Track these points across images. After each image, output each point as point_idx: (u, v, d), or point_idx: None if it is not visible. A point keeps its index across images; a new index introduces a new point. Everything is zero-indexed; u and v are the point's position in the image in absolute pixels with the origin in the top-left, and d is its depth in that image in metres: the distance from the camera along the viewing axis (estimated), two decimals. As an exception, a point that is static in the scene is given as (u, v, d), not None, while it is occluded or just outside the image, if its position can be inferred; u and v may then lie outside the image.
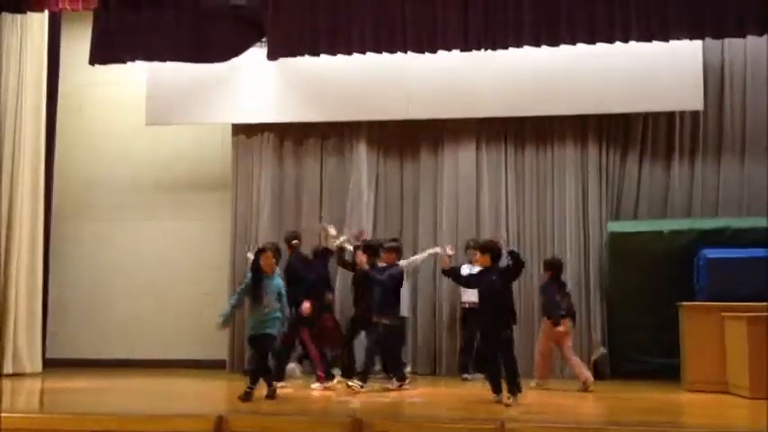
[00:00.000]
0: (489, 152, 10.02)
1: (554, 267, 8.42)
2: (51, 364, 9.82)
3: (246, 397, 6.99)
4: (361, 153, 10.18)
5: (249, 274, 7.43)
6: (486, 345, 7.40)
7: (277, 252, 7.75)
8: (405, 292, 8.69)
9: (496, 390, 7.09)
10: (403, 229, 10.01)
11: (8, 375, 9.10)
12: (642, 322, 9.01)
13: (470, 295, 8.74)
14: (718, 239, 8.68)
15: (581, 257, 9.62)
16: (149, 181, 10.83)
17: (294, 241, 8.64)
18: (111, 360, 10.29)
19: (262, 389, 7.13)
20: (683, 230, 8.93)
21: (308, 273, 8.44)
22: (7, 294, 9.32)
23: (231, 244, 10.20)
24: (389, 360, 8.38)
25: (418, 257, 9.05)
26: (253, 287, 7.28)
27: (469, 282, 7.84)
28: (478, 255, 7.67)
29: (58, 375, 9.18)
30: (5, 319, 9.29)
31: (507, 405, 6.85)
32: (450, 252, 8.10)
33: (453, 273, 7.70)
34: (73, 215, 10.73)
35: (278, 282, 7.41)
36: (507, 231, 9.82)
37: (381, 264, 8.22)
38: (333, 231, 8.65)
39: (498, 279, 7.14)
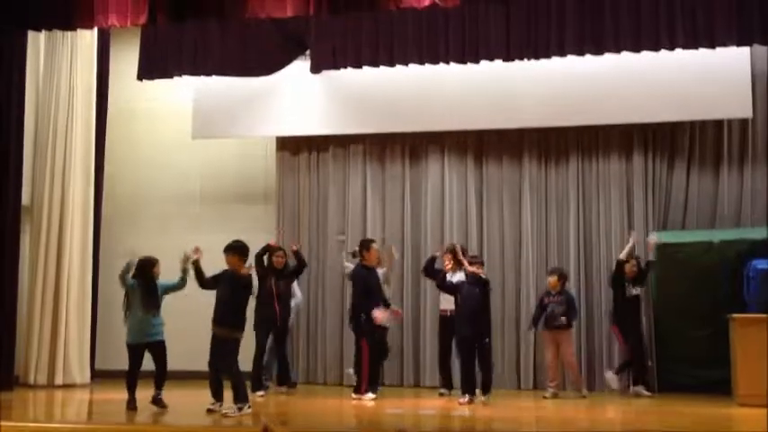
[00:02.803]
0: (532, 162, 9.94)
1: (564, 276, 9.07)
2: (99, 375, 9.96)
3: (131, 405, 7.21)
4: (405, 164, 10.21)
5: (132, 281, 7.43)
6: (465, 351, 8.05)
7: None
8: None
9: (470, 391, 7.90)
10: (444, 238, 9.87)
11: (59, 386, 9.28)
12: (691, 335, 8.85)
13: (453, 302, 8.57)
14: (769, 250, 8.51)
15: (627, 269, 9.49)
16: (195, 194, 10.96)
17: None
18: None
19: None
20: (733, 241, 8.77)
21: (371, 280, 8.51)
22: (59, 307, 9.50)
23: (275, 256, 10.25)
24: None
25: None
26: (144, 293, 7.37)
27: (450, 289, 8.35)
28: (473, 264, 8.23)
29: (106, 386, 9.32)
30: (57, 331, 9.47)
31: (485, 404, 7.74)
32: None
33: (440, 278, 8.32)
34: (121, 228, 10.88)
35: (164, 285, 7.52)
36: (547, 243, 9.78)
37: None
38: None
39: (481, 292, 8.06)
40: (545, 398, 8.57)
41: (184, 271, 7.37)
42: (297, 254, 8.88)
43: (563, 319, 8.73)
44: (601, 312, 9.52)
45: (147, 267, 7.52)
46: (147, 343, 7.41)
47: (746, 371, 7.85)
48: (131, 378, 7.38)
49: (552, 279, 8.89)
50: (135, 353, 7.43)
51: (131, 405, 7.25)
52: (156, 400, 7.33)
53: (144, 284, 7.44)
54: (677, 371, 9.10)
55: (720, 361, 8.35)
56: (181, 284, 7.48)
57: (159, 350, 7.44)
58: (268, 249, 8.65)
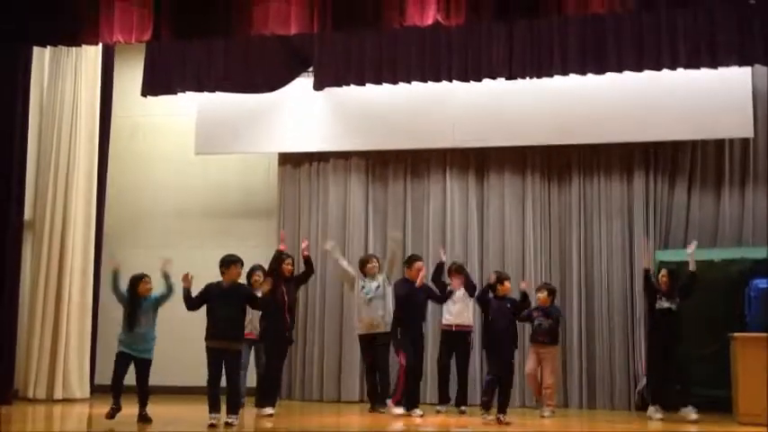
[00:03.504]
0: (534, 180, 9.97)
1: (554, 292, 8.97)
2: (99, 390, 9.93)
3: (112, 415, 7.40)
4: (407, 180, 10.24)
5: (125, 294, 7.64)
6: (496, 368, 7.97)
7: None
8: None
9: (488, 407, 7.89)
10: (447, 254, 9.88)
11: (58, 401, 9.26)
12: (692, 353, 8.82)
13: (457, 317, 8.72)
14: (771, 269, 8.52)
15: (626, 287, 9.50)
16: (198, 209, 10.99)
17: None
18: (159, 387, 10.35)
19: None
20: (734, 260, 8.78)
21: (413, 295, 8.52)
22: (59, 321, 9.49)
23: (277, 271, 10.24)
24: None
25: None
26: (129, 310, 7.54)
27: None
28: (506, 283, 8.20)
29: (105, 401, 9.24)
30: (57, 345, 9.46)
31: (508, 423, 7.56)
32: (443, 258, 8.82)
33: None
34: (123, 242, 10.87)
35: (153, 298, 7.63)
36: (549, 261, 9.78)
37: None
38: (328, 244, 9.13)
39: (511, 307, 8.08)
40: (542, 417, 8.52)
41: (166, 277, 7.49)
42: (308, 259, 8.53)
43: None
44: (602, 331, 9.51)
45: (134, 284, 7.62)
46: (134, 357, 7.52)
47: (747, 389, 7.83)
48: (115, 386, 7.51)
49: (542, 295, 8.81)
50: (121, 362, 7.54)
51: (111, 414, 7.39)
52: (142, 416, 7.41)
53: (133, 301, 7.55)
54: (677, 389, 9.06)
55: (721, 380, 8.33)
56: (168, 294, 7.58)
57: (144, 368, 7.55)
58: (281, 256, 8.46)
